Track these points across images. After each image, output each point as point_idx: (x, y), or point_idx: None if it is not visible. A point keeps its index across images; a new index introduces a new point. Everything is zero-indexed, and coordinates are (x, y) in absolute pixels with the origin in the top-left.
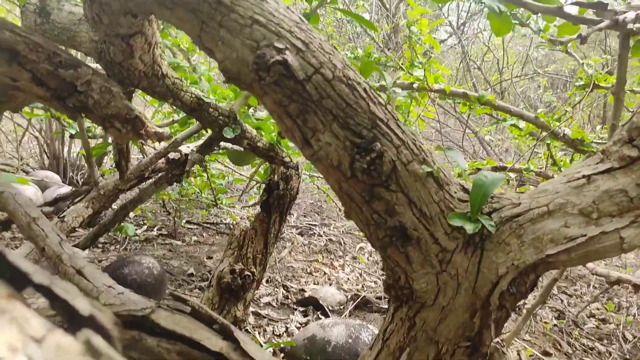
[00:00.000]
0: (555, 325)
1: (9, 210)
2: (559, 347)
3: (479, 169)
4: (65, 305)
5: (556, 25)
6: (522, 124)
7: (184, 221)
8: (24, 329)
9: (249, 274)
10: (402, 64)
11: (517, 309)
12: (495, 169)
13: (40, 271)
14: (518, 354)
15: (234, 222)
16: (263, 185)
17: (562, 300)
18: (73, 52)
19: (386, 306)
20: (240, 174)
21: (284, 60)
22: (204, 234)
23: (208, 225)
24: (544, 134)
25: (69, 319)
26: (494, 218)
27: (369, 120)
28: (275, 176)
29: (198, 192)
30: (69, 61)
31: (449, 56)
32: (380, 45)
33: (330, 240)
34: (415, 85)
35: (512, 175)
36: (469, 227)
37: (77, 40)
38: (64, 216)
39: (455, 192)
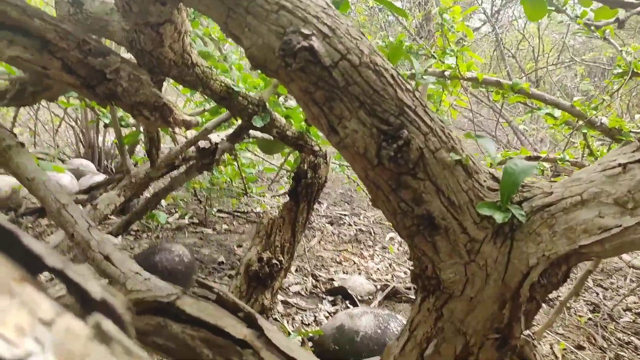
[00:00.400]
0: (589, 318)
1: (40, 196)
2: (593, 341)
3: (511, 159)
4: (79, 288)
5: (593, 10)
6: (557, 112)
7: (214, 210)
8: (33, 311)
9: (277, 262)
10: (434, 52)
11: (550, 301)
12: (529, 158)
13: (54, 254)
14: (551, 348)
15: (263, 211)
16: (293, 174)
17: (597, 294)
18: (107, 42)
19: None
20: (270, 163)
21: (310, 46)
22: (235, 223)
23: (238, 214)
24: (580, 122)
25: (82, 303)
26: (524, 207)
27: (396, 107)
28: (304, 164)
29: (229, 181)
30: (98, 49)
31: (482, 44)
32: (412, 34)
33: (360, 230)
34: (447, 74)
35: (547, 165)
36: (499, 217)
37: (110, 30)
38: (96, 204)
39: (484, 181)
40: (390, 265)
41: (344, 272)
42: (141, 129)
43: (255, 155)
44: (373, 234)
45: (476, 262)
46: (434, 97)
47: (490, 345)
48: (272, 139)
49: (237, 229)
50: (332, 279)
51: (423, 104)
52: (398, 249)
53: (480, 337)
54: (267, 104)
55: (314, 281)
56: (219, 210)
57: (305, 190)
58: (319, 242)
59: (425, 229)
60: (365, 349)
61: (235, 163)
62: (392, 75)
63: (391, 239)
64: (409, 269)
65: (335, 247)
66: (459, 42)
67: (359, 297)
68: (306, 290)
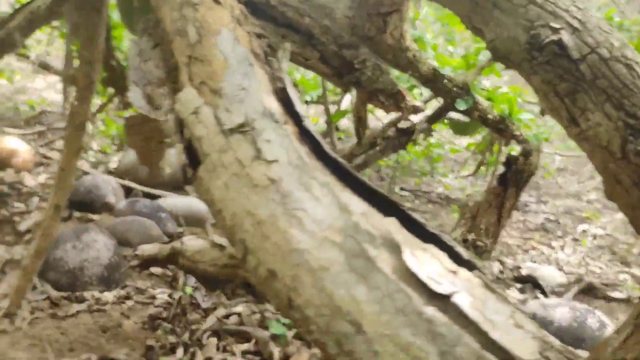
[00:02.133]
0: None
1: None
2: None
3: None
4: (451, 250)
5: None
6: None
7: (397, 188)
8: (442, 263)
9: (482, 244)
10: None
11: None
12: None
13: (431, 226)
14: None
15: (467, 195)
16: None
17: None
18: None
19: (614, 295)
20: (455, 144)
21: (559, 40)
22: (416, 202)
23: (420, 193)
24: None
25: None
26: None
27: None
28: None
29: (412, 160)
30: (350, 42)
31: None
32: (620, 9)
33: (548, 219)
34: None
35: None
36: None
37: (333, 17)
38: None
39: None
40: (583, 258)
41: (532, 261)
42: (342, 107)
43: (441, 135)
44: (562, 224)
45: None
46: None
47: None
48: (468, 120)
49: (419, 207)
50: (519, 267)
51: None
52: (592, 243)
53: None
54: (470, 86)
55: (500, 267)
56: (402, 189)
57: (514, 176)
58: (504, 228)
59: None
60: (559, 341)
61: (422, 143)
62: None
63: (584, 231)
64: (606, 265)
65: (520, 235)
66: None
67: (550, 288)
68: (492, 274)
